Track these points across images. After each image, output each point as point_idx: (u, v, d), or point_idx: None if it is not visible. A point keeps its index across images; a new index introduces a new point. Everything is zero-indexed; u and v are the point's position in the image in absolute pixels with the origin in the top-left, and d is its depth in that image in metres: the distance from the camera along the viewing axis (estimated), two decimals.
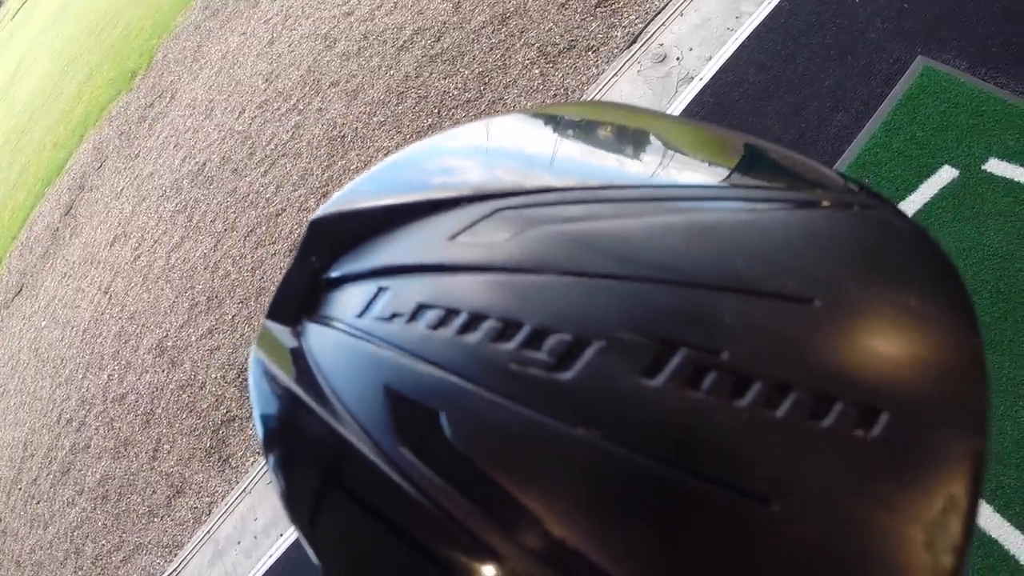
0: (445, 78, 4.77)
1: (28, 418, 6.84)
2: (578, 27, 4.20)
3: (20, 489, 6.29)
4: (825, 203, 0.33)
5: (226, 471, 4.50)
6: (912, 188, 2.68)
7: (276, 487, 0.39)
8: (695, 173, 0.39)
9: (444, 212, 0.39)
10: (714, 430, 0.27)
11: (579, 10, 4.27)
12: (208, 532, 4.31)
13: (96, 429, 5.77)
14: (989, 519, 2.17)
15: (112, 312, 6.53)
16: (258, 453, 4.31)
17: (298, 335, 0.40)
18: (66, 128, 11.28)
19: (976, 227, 2.52)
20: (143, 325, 5.99)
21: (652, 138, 0.43)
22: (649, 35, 3.82)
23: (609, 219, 0.34)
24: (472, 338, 0.32)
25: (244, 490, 4.23)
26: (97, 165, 8.93)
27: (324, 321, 0.39)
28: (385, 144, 4.84)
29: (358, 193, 0.45)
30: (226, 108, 6.95)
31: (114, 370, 5.98)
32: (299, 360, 0.39)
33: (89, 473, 5.55)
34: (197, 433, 4.82)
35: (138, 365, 5.74)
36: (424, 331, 0.34)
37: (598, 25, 4.12)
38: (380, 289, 0.37)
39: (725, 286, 0.30)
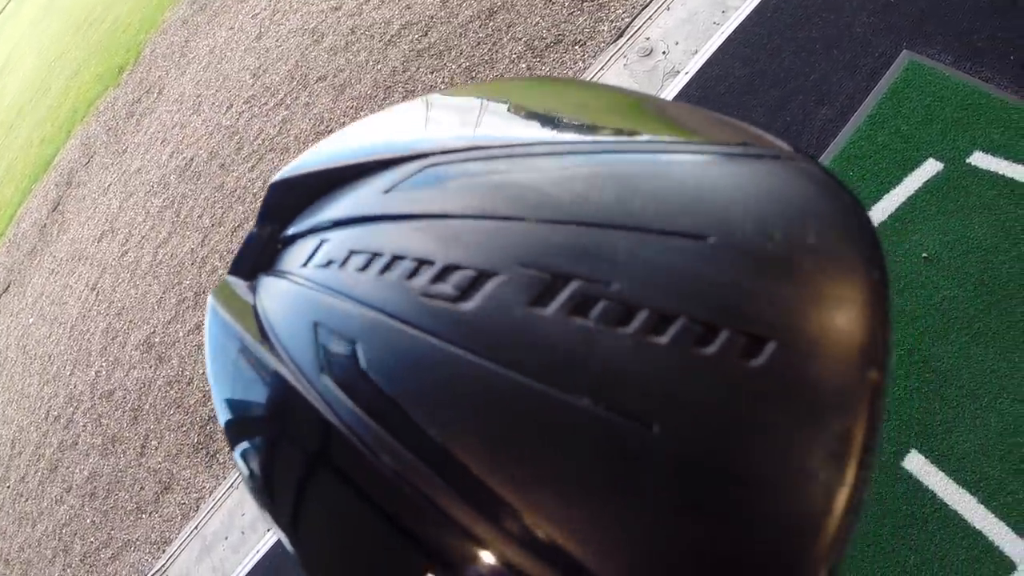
0: (432, 72, 4.77)
1: (16, 415, 6.82)
2: (565, 21, 4.20)
3: (8, 487, 6.27)
4: (735, 153, 0.34)
5: (213, 467, 4.49)
6: (897, 181, 2.69)
7: (221, 419, 0.43)
8: (608, 131, 0.41)
9: (383, 171, 0.42)
10: (597, 354, 0.29)
11: (566, 4, 4.27)
12: (196, 528, 4.31)
13: (84, 426, 5.75)
14: (973, 511, 2.18)
15: (100, 308, 6.51)
16: None
17: (253, 289, 0.44)
18: (53, 124, 11.23)
19: (961, 220, 2.53)
20: (131, 321, 5.97)
21: (575, 103, 0.46)
22: (636, 29, 3.82)
23: (524, 171, 0.37)
24: (390, 276, 0.36)
25: (231, 485, 4.22)
26: (85, 161, 8.89)
27: (275, 273, 0.43)
28: None
29: (312, 159, 0.48)
30: (213, 103, 6.93)
31: (102, 367, 5.96)
32: (250, 307, 0.43)
33: (77, 470, 5.53)
34: (185, 429, 4.81)
35: (126, 361, 5.72)
36: (352, 273, 0.37)
37: (585, 19, 4.12)
38: (322, 241, 0.41)
39: (622, 225, 0.31)
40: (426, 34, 5.04)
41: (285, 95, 5.99)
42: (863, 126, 2.84)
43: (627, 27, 3.87)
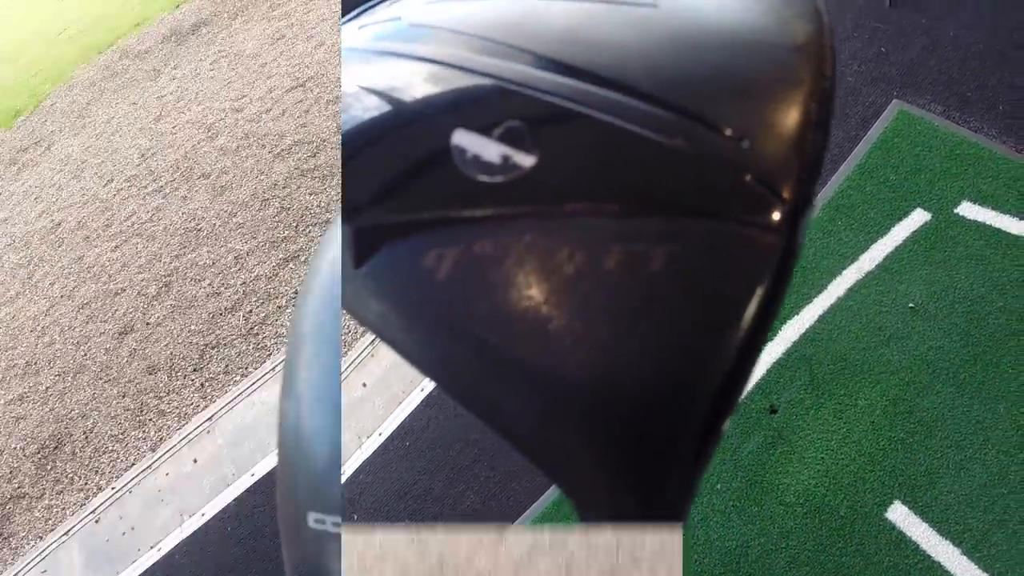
0: (311, 194, 4.89)
1: None
2: None
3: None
4: None
5: (4, 551, 4.04)
6: (885, 231, 2.75)
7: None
8: None
9: None
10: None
11: None
12: None
13: None
14: (956, 562, 2.16)
15: None
16: (40, 537, 3.94)
17: None
18: None
19: (947, 271, 2.59)
20: None
21: None
22: None
23: None
24: None
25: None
26: None
27: None
28: (237, 247, 4.85)
29: None
30: (96, 173, 6.72)
31: None
32: None
33: None
34: None
35: None
36: None
37: None
38: None
39: None
40: (315, 155, 5.19)
41: (166, 183, 5.92)
42: (853, 175, 2.91)
43: None
